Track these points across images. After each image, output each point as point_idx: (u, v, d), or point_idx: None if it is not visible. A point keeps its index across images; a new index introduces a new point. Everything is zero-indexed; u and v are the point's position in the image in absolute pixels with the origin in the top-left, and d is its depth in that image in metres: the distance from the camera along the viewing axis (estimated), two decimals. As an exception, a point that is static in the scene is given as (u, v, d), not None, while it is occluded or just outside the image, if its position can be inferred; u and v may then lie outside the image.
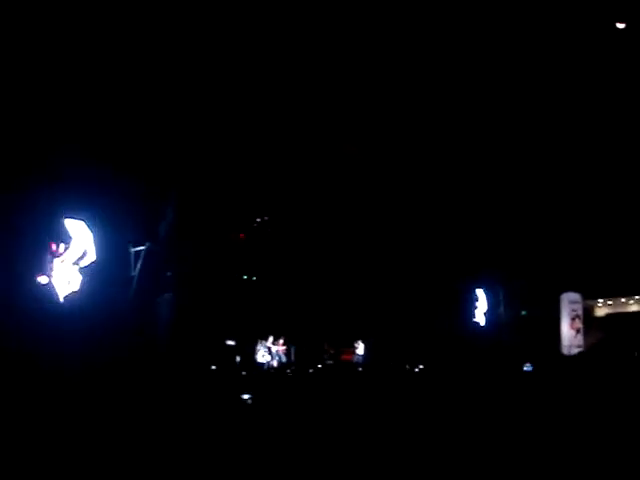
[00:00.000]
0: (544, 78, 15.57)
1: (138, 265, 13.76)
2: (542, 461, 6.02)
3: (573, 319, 22.55)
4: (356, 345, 21.52)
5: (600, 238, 20.44)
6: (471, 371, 13.94)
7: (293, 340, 19.90)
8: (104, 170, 12.32)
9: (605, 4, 13.54)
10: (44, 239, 11.49)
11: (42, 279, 11.32)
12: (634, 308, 24.17)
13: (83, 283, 11.98)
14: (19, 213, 11.04)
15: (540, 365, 15.25)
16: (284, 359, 19.34)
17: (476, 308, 22.34)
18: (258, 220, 19.03)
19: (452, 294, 21.09)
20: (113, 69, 12.34)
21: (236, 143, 15.61)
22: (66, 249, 11.82)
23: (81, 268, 12.02)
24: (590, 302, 23.92)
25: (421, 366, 16.74)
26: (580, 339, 22.37)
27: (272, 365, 18.66)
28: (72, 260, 11.89)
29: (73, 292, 11.82)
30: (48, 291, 11.33)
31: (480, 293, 22.55)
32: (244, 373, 15.35)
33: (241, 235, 18.53)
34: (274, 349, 19.10)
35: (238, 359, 17.33)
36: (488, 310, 22.65)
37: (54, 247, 11.63)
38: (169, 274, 14.81)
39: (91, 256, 12.21)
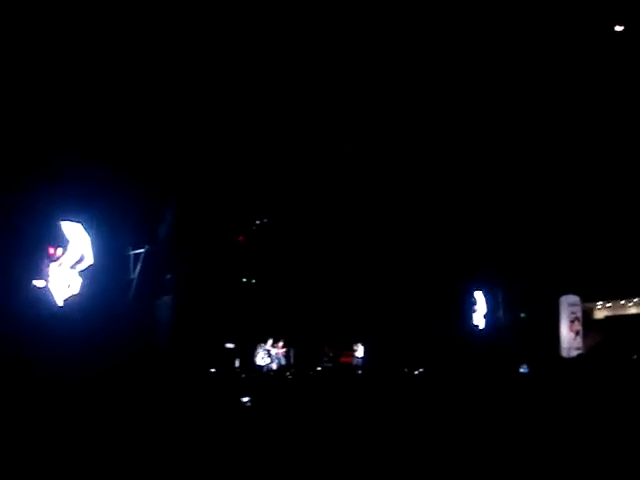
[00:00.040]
0: (543, 80, 15.58)
1: (137, 268, 13.74)
2: (540, 463, 6.01)
3: (572, 321, 22.54)
4: (355, 348, 21.51)
5: (599, 241, 20.43)
6: (470, 374, 13.93)
7: (292, 343, 19.88)
8: (102, 172, 12.27)
9: (603, 7, 13.56)
10: (41, 242, 11.42)
11: (39, 283, 11.25)
12: (633, 310, 24.13)
13: (82, 286, 11.94)
14: (15, 215, 10.97)
15: (537, 367, 15.25)
16: (283, 362, 19.32)
17: (475, 311, 22.33)
18: (257, 222, 19.02)
19: (451, 297, 21.08)
20: (112, 70, 12.32)
21: (235, 145, 15.60)
22: (64, 252, 11.75)
23: (80, 271, 11.97)
24: (589, 304, 23.89)
25: (420, 369, 16.71)
26: (579, 341, 22.35)
27: (271, 368, 18.63)
28: (70, 264, 11.82)
29: (73, 296, 11.77)
30: (45, 295, 11.27)
31: (479, 296, 22.54)
32: (243, 376, 15.34)
33: (240, 238, 18.51)
34: (273, 352, 19.07)
35: (237, 362, 17.32)
36: (487, 313, 22.64)
37: (51, 251, 11.55)
38: (168, 277, 14.80)
39: (88, 260, 12.14)
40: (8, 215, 10.91)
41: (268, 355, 18.80)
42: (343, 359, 21.37)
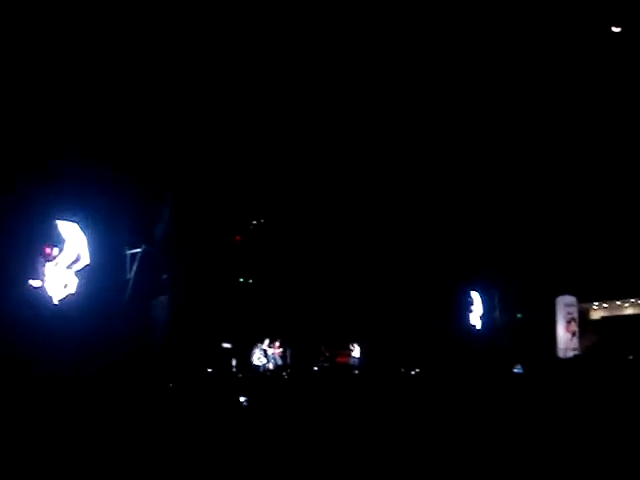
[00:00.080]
0: (541, 82, 15.60)
1: (134, 268, 13.70)
2: (535, 463, 6.02)
3: (569, 322, 22.58)
4: (352, 348, 21.51)
5: (595, 241, 20.48)
6: (466, 374, 13.95)
7: (289, 343, 19.87)
8: (99, 171, 12.21)
9: (601, 8, 13.58)
10: (37, 241, 11.33)
11: (35, 283, 11.17)
12: (629, 311, 24.21)
13: (79, 286, 11.88)
14: (11, 215, 10.88)
15: (532, 368, 15.26)
16: (280, 362, 19.31)
17: (471, 311, 22.34)
18: (254, 222, 19.01)
19: (448, 297, 21.09)
20: (109, 69, 12.27)
21: (232, 145, 15.59)
22: (60, 252, 11.68)
23: (77, 271, 11.91)
24: (585, 305, 23.95)
25: (417, 369, 16.73)
26: (576, 342, 22.39)
27: (268, 368, 18.62)
28: (66, 263, 11.74)
29: (70, 295, 11.70)
30: (41, 295, 11.19)
31: (476, 296, 22.56)
32: (240, 376, 15.33)
33: (237, 238, 18.50)
34: (270, 352, 19.05)
35: (234, 362, 17.30)
36: (484, 313, 22.66)
37: (48, 250, 11.47)
38: (165, 276, 14.77)
39: (85, 260, 12.06)
40: (3, 214, 10.83)
41: (265, 355, 18.78)
42: (340, 359, 21.37)
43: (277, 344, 19.37)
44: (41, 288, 11.23)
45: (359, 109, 16.39)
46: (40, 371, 9.58)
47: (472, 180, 19.23)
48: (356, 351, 21.50)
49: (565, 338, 22.48)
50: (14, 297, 10.65)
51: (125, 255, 13.81)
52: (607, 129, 17.21)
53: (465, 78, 15.49)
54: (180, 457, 6.21)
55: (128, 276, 13.62)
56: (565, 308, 22.70)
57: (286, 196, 18.29)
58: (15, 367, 9.43)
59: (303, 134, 16.60)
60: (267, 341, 18.98)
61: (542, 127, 17.31)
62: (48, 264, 11.42)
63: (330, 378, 14.67)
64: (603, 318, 24.58)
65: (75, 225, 11.99)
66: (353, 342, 21.50)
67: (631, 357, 17.30)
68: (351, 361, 21.36)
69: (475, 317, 22.44)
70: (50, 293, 11.39)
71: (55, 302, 11.44)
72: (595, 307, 24.67)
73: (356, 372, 18.37)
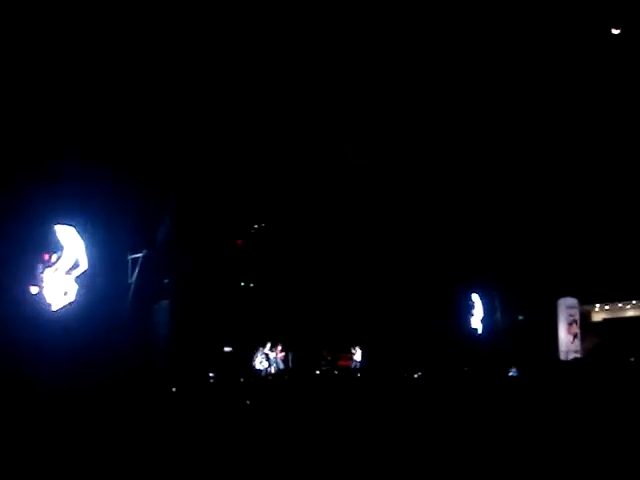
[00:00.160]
0: (540, 84, 15.62)
1: (135, 272, 13.69)
2: (535, 466, 6.02)
3: (570, 324, 22.56)
4: (353, 351, 21.50)
5: (597, 243, 20.47)
6: (467, 377, 13.94)
7: (291, 346, 19.86)
8: (99, 174, 12.08)
9: (601, 10, 13.60)
10: (35, 247, 11.13)
11: (33, 289, 10.96)
12: (631, 313, 24.19)
13: (79, 294, 11.71)
14: (8, 219, 10.73)
15: (528, 370, 15.24)
16: (282, 366, 19.29)
17: (472, 315, 22.33)
18: (255, 227, 19.01)
19: (449, 300, 21.08)
20: (111, 74, 12.25)
21: (234, 149, 15.60)
22: (58, 258, 11.47)
23: (77, 277, 11.75)
24: (587, 307, 23.93)
25: (419, 373, 16.70)
26: (577, 344, 22.36)
27: (270, 372, 18.61)
28: (65, 269, 11.54)
29: (70, 303, 11.54)
30: (39, 302, 10.99)
31: (477, 298, 22.54)
32: (242, 380, 15.31)
33: (238, 242, 18.50)
34: (272, 356, 19.04)
35: (236, 366, 17.28)
36: (485, 316, 22.65)
37: (46, 256, 11.26)
38: (166, 281, 14.76)
39: (83, 265, 11.87)
40: (1, 217, 10.66)
41: (267, 359, 18.77)
42: (341, 362, 21.35)
43: (279, 348, 19.36)
44: (40, 295, 11.05)
45: (361, 114, 16.41)
46: (41, 378, 9.53)
47: (473, 183, 19.24)
48: (358, 354, 21.49)
49: (567, 340, 22.45)
50: (11, 304, 10.48)
51: (126, 260, 13.79)
52: (608, 131, 17.22)
53: (466, 81, 15.51)
54: (183, 461, 6.21)
55: (129, 281, 13.61)
56: (566, 310, 22.68)
57: (287, 200, 18.29)
58: (14, 376, 9.31)
59: (304, 138, 16.61)
60: (269, 345, 18.97)
61: (543, 130, 17.32)
62: (47, 270, 11.24)
63: (332, 381, 14.66)
64: (605, 320, 24.55)
65: (73, 229, 11.83)
66: (355, 346, 21.50)
67: (633, 359, 17.27)
68: (353, 364, 21.35)
69: (476, 320, 22.43)
70: (49, 300, 11.19)
71: (55, 309, 11.24)
72: (597, 309, 24.65)
73: (358, 375, 18.35)
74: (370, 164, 18.53)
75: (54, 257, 11.42)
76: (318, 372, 18.89)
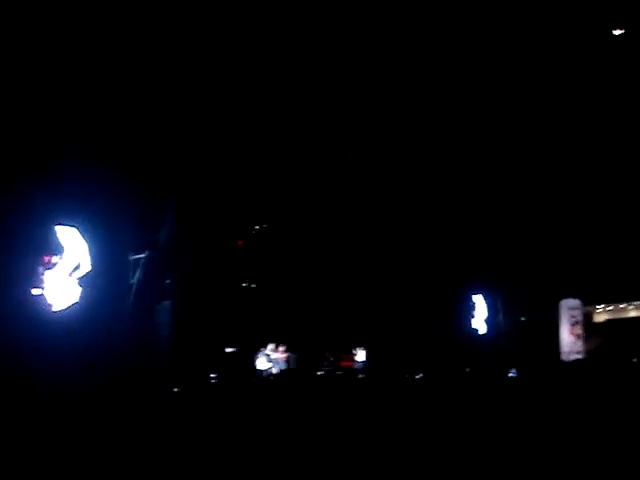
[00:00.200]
0: (540, 85, 15.62)
1: (137, 273, 13.67)
2: (536, 467, 6.01)
3: (573, 325, 22.53)
4: (355, 352, 21.51)
5: (599, 244, 20.45)
6: (468, 379, 13.93)
7: (293, 347, 19.86)
8: (100, 175, 12.02)
9: (602, 11, 13.60)
10: (36, 248, 11.06)
11: (34, 292, 10.88)
12: (633, 314, 24.17)
13: (81, 293, 11.67)
14: (7, 219, 10.67)
15: (529, 372, 15.22)
16: (284, 366, 19.29)
17: (473, 317, 22.30)
18: (257, 227, 19.03)
19: (451, 301, 21.07)
20: (111, 72, 12.24)
21: (235, 149, 15.61)
22: (60, 259, 11.39)
23: (79, 278, 11.69)
24: (590, 308, 23.91)
25: (421, 374, 16.69)
26: (580, 345, 22.33)
27: (272, 372, 18.61)
28: (67, 271, 11.47)
29: (73, 304, 11.48)
30: (40, 304, 10.93)
31: (479, 300, 22.52)
32: (244, 380, 15.31)
33: (240, 242, 18.52)
34: (274, 356, 19.05)
35: (238, 366, 17.29)
36: (487, 317, 22.61)
37: (46, 259, 11.17)
38: (168, 281, 14.76)
39: (85, 267, 11.81)
40: (1, 218, 10.59)
41: (269, 360, 18.78)
42: (344, 363, 21.36)
43: (281, 349, 19.36)
44: (41, 297, 10.98)
45: (361, 114, 16.42)
46: (42, 378, 9.53)
47: (474, 184, 19.23)
48: (360, 355, 21.49)
49: (569, 341, 22.42)
50: (14, 307, 10.42)
51: (128, 260, 13.78)
52: (609, 132, 17.20)
53: (466, 82, 15.51)
54: (186, 462, 6.21)
55: (131, 281, 13.59)
56: (569, 311, 22.65)
57: (288, 201, 18.31)
58: (15, 378, 9.27)
59: (306, 139, 16.62)
60: (271, 346, 18.98)
61: (544, 131, 17.32)
62: (48, 272, 11.16)
63: (335, 382, 14.65)
64: (607, 321, 24.54)
65: (75, 230, 11.78)
66: (357, 347, 21.50)
67: (635, 360, 17.26)
68: (356, 365, 21.35)
69: (479, 321, 22.40)
70: (50, 302, 11.10)
71: (55, 310, 11.16)
72: (599, 310, 24.63)
73: (360, 376, 18.34)
74: (371, 165, 18.53)
75: (55, 259, 11.32)
76: (320, 373, 18.88)
